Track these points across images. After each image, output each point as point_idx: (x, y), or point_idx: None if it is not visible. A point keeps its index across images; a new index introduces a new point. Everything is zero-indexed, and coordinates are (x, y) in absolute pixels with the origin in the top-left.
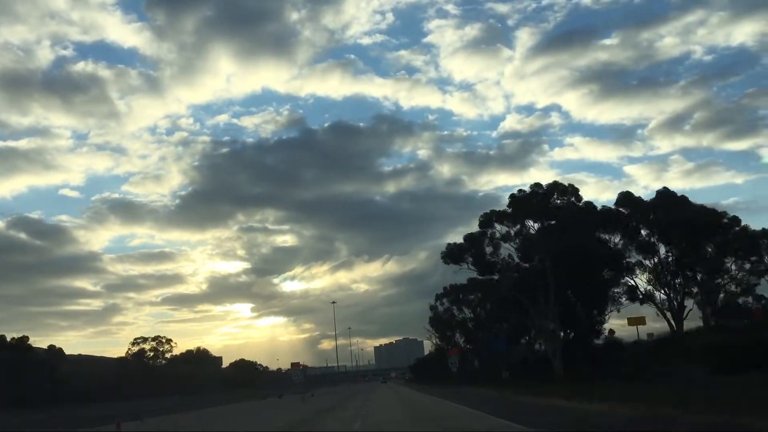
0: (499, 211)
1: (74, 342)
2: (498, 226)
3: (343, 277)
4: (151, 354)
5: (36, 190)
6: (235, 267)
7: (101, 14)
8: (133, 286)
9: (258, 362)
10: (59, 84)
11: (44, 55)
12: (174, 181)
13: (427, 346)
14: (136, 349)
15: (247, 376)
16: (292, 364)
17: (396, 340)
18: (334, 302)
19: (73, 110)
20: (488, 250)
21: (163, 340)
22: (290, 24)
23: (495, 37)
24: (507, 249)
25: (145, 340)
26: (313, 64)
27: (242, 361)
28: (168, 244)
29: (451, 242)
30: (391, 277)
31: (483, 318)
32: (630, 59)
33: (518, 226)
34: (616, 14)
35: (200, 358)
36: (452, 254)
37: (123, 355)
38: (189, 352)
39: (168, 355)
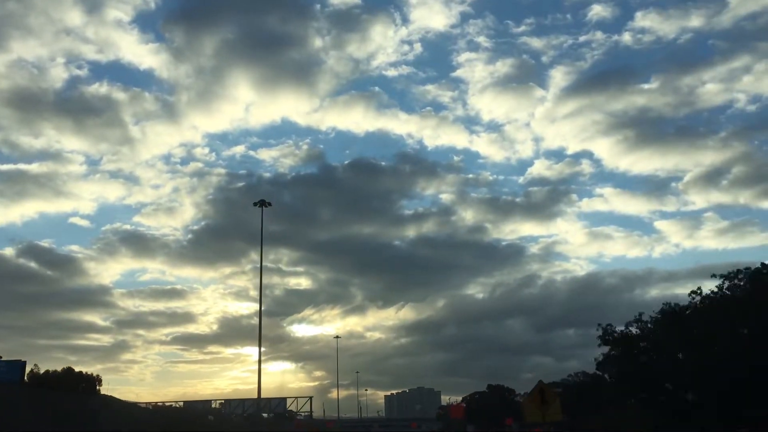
0: None
1: None
2: None
3: (356, 323)
4: None
5: (46, 216)
6: (246, 308)
7: (117, 32)
8: (143, 323)
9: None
10: (72, 105)
11: (58, 74)
12: (187, 214)
13: None
14: None
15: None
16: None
17: (409, 389)
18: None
19: (86, 134)
20: None
21: None
22: (314, 51)
23: (527, 75)
24: None
25: None
26: (336, 95)
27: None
28: (179, 281)
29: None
30: (406, 325)
31: None
32: (669, 105)
33: None
34: (657, 56)
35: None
36: None
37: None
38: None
39: None
